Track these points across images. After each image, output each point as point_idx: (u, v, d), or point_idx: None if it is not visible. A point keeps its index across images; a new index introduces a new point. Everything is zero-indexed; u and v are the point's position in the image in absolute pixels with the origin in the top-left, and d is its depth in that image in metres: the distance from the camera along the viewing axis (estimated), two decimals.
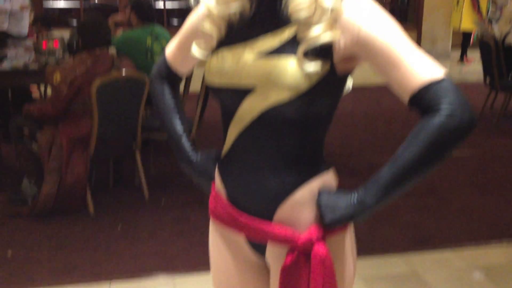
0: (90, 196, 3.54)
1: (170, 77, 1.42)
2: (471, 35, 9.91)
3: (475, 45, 7.84)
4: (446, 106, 1.00)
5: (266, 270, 1.30)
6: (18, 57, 4.60)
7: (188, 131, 1.39)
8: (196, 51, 1.24)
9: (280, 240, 1.16)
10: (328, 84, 1.10)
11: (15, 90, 5.06)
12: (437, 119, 1.00)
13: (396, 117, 6.03)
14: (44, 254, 3.04)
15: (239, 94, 1.14)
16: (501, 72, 5.84)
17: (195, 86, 4.27)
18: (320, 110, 1.13)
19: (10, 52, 4.71)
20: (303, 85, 1.07)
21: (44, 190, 3.41)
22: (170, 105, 1.39)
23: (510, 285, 2.77)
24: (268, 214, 1.17)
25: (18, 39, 5.39)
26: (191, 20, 1.32)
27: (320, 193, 1.14)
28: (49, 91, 4.24)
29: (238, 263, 1.30)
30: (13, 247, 3.12)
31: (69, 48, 4.27)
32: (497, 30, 6.45)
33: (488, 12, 7.20)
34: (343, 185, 1.19)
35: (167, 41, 4.44)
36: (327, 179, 1.18)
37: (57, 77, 3.40)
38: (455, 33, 10.49)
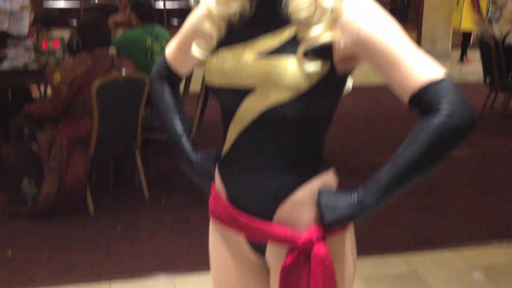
0: (90, 196, 3.54)
1: (170, 77, 1.42)
2: (471, 35, 9.91)
3: (475, 45, 7.84)
4: (446, 106, 1.00)
5: (266, 270, 1.30)
6: (18, 57, 4.60)
7: (188, 131, 1.39)
8: (196, 51, 1.23)
9: (280, 240, 1.16)
10: (328, 84, 1.10)
11: (15, 90, 5.07)
12: (437, 119, 1.00)
13: (396, 117, 6.03)
14: (44, 254, 3.04)
15: (239, 94, 1.14)
16: (501, 72, 5.84)
17: (195, 86, 4.27)
18: (320, 110, 1.13)
19: (10, 52, 4.71)
20: (303, 85, 1.07)
21: (44, 190, 3.41)
22: (170, 105, 1.39)
23: (510, 285, 2.77)
24: (268, 214, 1.17)
25: (18, 39, 5.39)
26: (191, 20, 1.31)
27: (320, 193, 1.14)
28: (49, 91, 4.24)
29: (238, 263, 1.30)
30: (13, 247, 3.12)
31: (69, 48, 4.27)
32: (497, 30, 6.45)
33: (488, 12, 7.20)
34: (343, 185, 1.19)
35: (167, 41, 4.44)
36: (327, 179, 1.18)
37: (57, 77, 3.40)
38: (455, 33, 10.49)
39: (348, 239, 1.23)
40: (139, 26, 4.58)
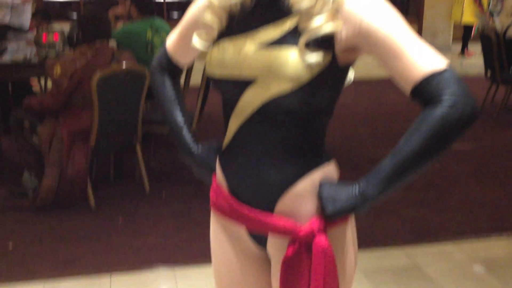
0: (91, 189, 3.54)
1: (171, 68, 1.41)
2: (472, 28, 9.88)
3: (476, 38, 7.82)
4: (448, 97, 0.99)
5: (267, 261, 1.30)
6: (19, 51, 4.60)
7: (189, 124, 1.39)
8: (197, 42, 1.23)
9: (281, 231, 1.16)
10: (330, 75, 1.10)
11: (15, 83, 5.06)
12: (439, 110, 0.99)
13: (397, 111, 6.02)
14: (44, 247, 3.05)
15: (240, 85, 1.13)
16: (502, 65, 5.83)
17: (196, 79, 4.26)
18: (322, 102, 1.13)
19: (11, 45, 4.71)
20: (305, 76, 1.06)
21: (45, 183, 3.41)
22: (171, 96, 1.39)
23: (511, 278, 2.77)
24: (269, 206, 1.17)
25: (19, 32, 5.38)
26: (192, 11, 1.31)
27: (321, 185, 1.14)
28: (49, 84, 4.23)
29: (239, 255, 1.30)
30: (14, 240, 3.12)
31: (69, 41, 4.27)
32: (498, 23, 6.43)
33: (489, 5, 7.16)
34: (344, 179, 1.18)
35: (167, 34, 4.39)
36: (329, 170, 1.18)
37: (57, 70, 3.40)
38: (456, 26, 10.46)
39: (349, 231, 1.23)
40: (139, 19, 4.57)
